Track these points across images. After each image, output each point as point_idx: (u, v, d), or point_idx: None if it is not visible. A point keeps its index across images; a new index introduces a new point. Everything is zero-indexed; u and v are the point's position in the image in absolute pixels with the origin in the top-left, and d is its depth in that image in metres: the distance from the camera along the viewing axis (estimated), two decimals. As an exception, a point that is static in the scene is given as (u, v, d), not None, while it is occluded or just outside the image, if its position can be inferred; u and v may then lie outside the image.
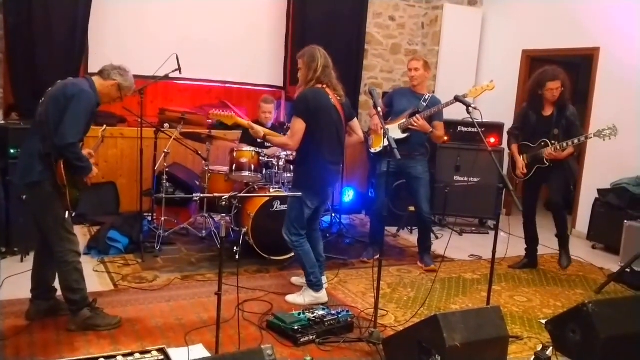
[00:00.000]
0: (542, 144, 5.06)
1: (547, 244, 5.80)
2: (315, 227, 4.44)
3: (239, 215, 5.30)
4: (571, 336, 3.46)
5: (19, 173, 3.51)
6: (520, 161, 5.18)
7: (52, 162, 3.36)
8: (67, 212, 3.48)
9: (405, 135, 5.09)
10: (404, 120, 5.13)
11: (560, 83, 4.93)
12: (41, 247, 3.69)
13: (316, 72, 4.00)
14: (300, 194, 3.90)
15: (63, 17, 6.00)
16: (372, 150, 5.44)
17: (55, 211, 3.46)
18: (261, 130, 4.22)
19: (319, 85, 4.05)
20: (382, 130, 5.09)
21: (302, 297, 4.25)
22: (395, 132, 5.09)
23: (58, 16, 5.97)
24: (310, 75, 4.01)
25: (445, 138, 6.98)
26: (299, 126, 3.95)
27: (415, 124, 5.02)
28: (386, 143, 3.64)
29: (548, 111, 5.09)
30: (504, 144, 7.13)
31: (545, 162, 5.04)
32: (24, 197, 3.51)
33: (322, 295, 4.28)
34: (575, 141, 4.90)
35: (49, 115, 3.39)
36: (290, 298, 4.27)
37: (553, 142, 4.97)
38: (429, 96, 5.24)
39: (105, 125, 3.98)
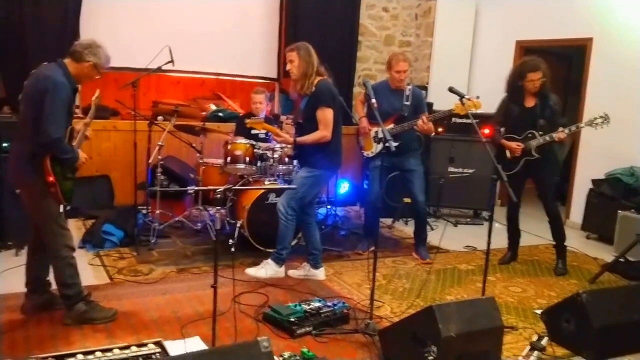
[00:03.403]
0: (530, 135, 4.93)
1: (542, 234, 5.83)
2: (311, 213, 4.61)
3: (234, 208, 5.30)
4: (565, 326, 3.49)
5: (10, 172, 3.51)
6: (514, 143, 4.98)
7: (39, 162, 3.31)
8: (61, 206, 3.46)
9: (397, 143, 4.99)
10: (392, 126, 5.04)
11: (542, 73, 4.81)
12: (34, 242, 3.67)
13: (314, 66, 4.23)
14: (295, 186, 4.25)
15: (55, 11, 5.96)
16: (365, 154, 5.37)
17: (48, 207, 3.42)
18: (289, 137, 4.47)
19: (320, 77, 4.26)
20: (376, 128, 5.14)
21: (264, 270, 4.43)
22: None
23: (49, 9, 5.93)
24: (310, 70, 4.23)
25: (440, 129, 7.01)
26: (330, 116, 4.25)
27: (421, 127, 4.95)
28: (380, 147, 3.67)
29: (530, 102, 4.96)
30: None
31: (534, 154, 4.91)
32: (18, 191, 3.50)
33: (282, 270, 4.52)
34: (573, 128, 4.81)
35: (27, 115, 3.35)
36: (251, 271, 4.45)
37: (541, 132, 4.86)
38: (409, 90, 5.15)
39: (98, 91, 3.74)
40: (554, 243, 5.26)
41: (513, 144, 5.00)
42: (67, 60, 3.45)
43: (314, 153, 4.35)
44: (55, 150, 3.32)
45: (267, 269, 4.42)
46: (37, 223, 3.53)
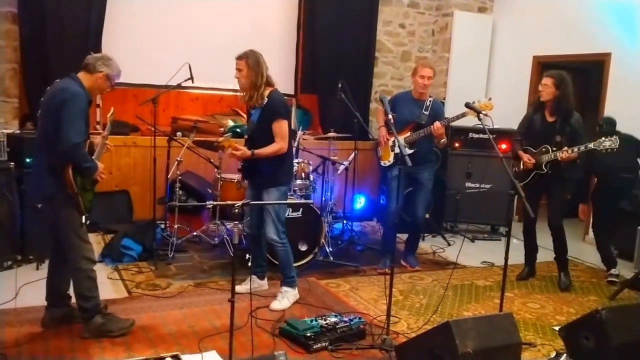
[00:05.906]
0: (543, 149, 4.93)
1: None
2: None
3: (251, 223, 5.32)
4: (584, 343, 3.44)
5: (32, 186, 3.59)
6: (526, 155, 5.01)
7: (61, 175, 3.38)
8: (83, 217, 3.52)
9: (412, 150, 4.99)
10: (409, 134, 5.10)
11: (552, 81, 4.81)
12: (55, 255, 3.73)
13: (263, 77, 4.12)
14: (312, 201, 4.06)
15: (76, 28, 6.09)
16: (382, 163, 5.39)
17: (68, 219, 3.49)
18: (247, 150, 4.17)
19: (270, 88, 4.20)
20: (394, 138, 5.13)
21: (287, 300, 4.29)
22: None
23: (71, 27, 6.06)
24: (259, 81, 4.11)
25: (457, 145, 7.01)
26: (286, 128, 4.16)
27: (436, 132, 4.96)
28: (397, 150, 3.65)
29: (552, 117, 4.97)
30: (515, 151, 7.14)
31: (544, 168, 4.91)
32: (39, 205, 3.56)
33: (296, 290, 4.42)
34: (582, 148, 4.67)
35: (46, 129, 3.44)
36: (275, 305, 4.24)
37: (554, 148, 4.85)
38: (430, 101, 5.20)
39: (112, 109, 3.82)
40: (555, 256, 5.23)
41: (526, 157, 5.03)
42: (80, 74, 3.53)
43: (272, 170, 4.20)
44: (75, 157, 3.37)
45: (288, 297, 4.30)
46: (58, 235, 3.59)
